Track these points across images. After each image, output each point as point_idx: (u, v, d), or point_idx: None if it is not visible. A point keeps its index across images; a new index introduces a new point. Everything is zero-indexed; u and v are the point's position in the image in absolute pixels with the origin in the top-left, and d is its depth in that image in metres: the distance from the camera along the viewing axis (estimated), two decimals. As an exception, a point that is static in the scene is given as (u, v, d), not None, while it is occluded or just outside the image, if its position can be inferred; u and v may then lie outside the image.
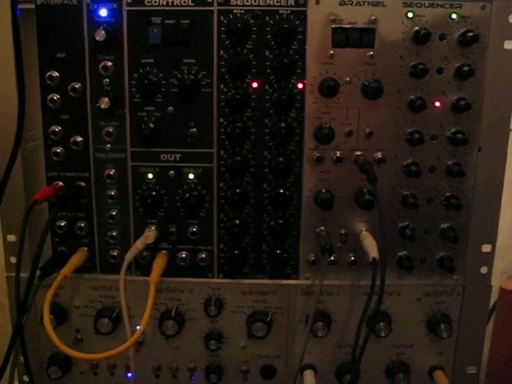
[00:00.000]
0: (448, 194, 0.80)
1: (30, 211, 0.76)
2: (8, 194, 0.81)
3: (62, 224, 0.82)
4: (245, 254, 0.82)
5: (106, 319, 0.83)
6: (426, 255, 0.83)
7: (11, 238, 0.84)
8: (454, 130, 0.78)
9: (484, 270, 0.83)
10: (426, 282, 0.84)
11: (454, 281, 0.84)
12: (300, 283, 0.84)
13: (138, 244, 0.80)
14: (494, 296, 0.89)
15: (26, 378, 0.89)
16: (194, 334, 0.86)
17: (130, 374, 0.88)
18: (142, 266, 0.84)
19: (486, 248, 0.82)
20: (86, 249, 0.84)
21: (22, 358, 0.86)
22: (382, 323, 0.83)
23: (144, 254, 0.83)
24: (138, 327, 0.86)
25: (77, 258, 0.82)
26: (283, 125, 0.78)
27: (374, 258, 0.75)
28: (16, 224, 0.82)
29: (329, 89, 0.76)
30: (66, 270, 0.79)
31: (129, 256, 0.80)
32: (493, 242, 0.82)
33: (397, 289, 0.84)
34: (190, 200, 0.80)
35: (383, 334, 0.83)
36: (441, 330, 0.83)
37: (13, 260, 0.84)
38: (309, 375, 0.85)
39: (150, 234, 0.80)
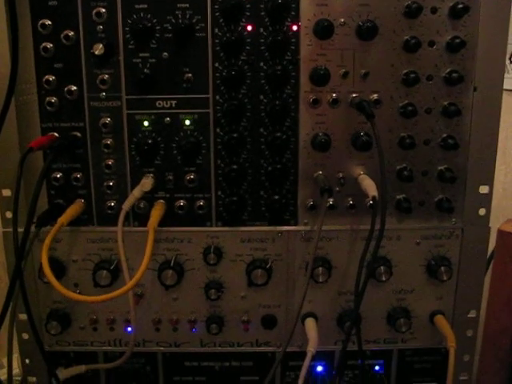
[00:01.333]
0: (444, 135, 0.80)
1: (25, 158, 0.75)
2: (2, 147, 0.81)
3: (58, 176, 0.82)
4: (243, 201, 0.82)
5: (105, 271, 0.82)
6: (424, 198, 0.83)
7: (6, 192, 0.83)
8: (449, 69, 0.78)
9: (482, 211, 0.83)
10: (425, 225, 0.84)
11: (453, 223, 0.84)
12: (299, 229, 0.83)
13: (135, 192, 0.80)
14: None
15: (25, 336, 0.88)
16: (194, 285, 0.85)
17: (129, 329, 0.87)
18: (139, 216, 0.83)
19: (484, 189, 0.82)
20: (82, 200, 0.83)
21: (20, 316, 0.86)
22: (382, 267, 0.82)
23: (141, 205, 0.82)
24: (136, 279, 0.85)
25: (73, 209, 0.81)
26: (278, 68, 0.77)
27: (374, 197, 0.75)
28: (11, 178, 0.81)
29: (323, 30, 0.76)
30: (63, 218, 0.78)
31: (126, 205, 0.80)
32: (490, 183, 0.82)
33: (396, 233, 0.84)
34: (186, 147, 0.79)
35: (384, 279, 0.83)
36: (441, 273, 0.83)
37: (8, 215, 0.83)
38: (310, 322, 0.85)
39: (147, 182, 0.80)
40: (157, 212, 0.80)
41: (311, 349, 0.80)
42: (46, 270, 0.71)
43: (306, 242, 0.84)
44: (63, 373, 0.88)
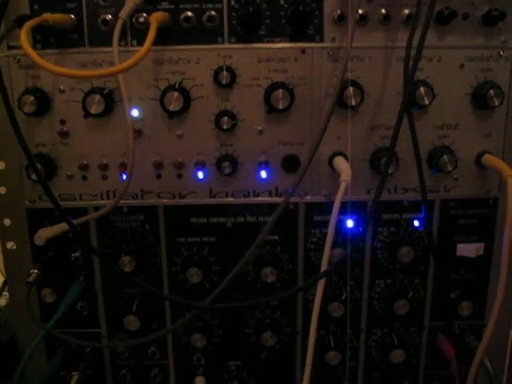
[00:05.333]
0: None
1: None
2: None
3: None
4: (260, 12, 0.70)
5: (98, 95, 0.70)
6: (468, 10, 0.71)
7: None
8: None
9: (541, 24, 0.72)
10: (470, 43, 0.72)
11: (502, 42, 0.72)
12: (325, 46, 0.71)
13: (135, -3, 0.68)
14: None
15: (2, 190, 0.75)
16: (202, 117, 0.73)
17: (125, 176, 0.74)
18: (138, 33, 0.71)
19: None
20: (72, 15, 0.71)
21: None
22: (422, 88, 0.71)
23: (141, 19, 0.70)
24: (134, 109, 0.73)
25: (62, 16, 0.69)
26: None
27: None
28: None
29: None
30: (48, 15, 0.66)
31: (123, 13, 0.67)
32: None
33: (437, 53, 0.72)
34: None
35: (426, 102, 0.71)
36: (491, 97, 0.71)
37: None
38: (340, 158, 0.72)
39: (149, -19, 0.68)
40: (160, 13, 0.68)
41: (345, 178, 0.67)
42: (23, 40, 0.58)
43: (334, 62, 0.72)
44: (46, 232, 0.74)
